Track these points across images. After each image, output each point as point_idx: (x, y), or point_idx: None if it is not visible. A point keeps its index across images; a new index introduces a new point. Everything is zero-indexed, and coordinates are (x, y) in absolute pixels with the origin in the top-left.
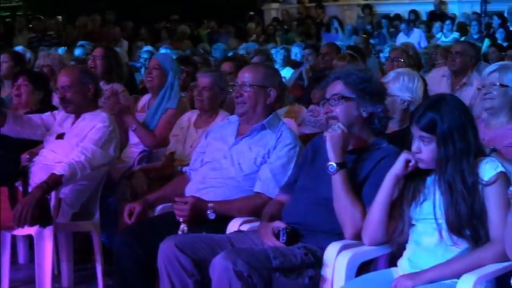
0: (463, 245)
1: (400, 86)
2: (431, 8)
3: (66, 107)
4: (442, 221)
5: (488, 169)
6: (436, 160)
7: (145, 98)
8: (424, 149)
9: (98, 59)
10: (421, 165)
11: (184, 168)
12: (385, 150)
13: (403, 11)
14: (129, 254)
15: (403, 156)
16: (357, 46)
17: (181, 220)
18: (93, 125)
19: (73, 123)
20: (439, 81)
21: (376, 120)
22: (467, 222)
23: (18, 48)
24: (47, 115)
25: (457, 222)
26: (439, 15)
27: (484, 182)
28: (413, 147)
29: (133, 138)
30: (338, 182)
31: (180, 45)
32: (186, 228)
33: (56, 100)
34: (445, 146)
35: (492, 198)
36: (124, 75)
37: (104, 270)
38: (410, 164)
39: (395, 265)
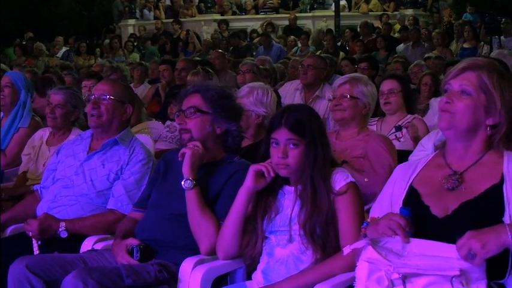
0: (315, 255)
1: (254, 101)
2: (286, 22)
3: None
4: (294, 232)
5: (339, 179)
6: (303, 165)
7: None
8: (291, 154)
9: None
10: (283, 172)
11: (35, 187)
12: (237, 164)
13: (258, 26)
14: None
15: (252, 169)
16: (211, 61)
17: (30, 235)
18: None
19: None
20: (292, 94)
21: (229, 138)
22: (323, 231)
23: None
24: None
25: (314, 230)
26: (294, 30)
27: (335, 192)
28: (277, 154)
29: None
30: (192, 197)
31: (33, 62)
32: (39, 242)
33: None
34: (315, 149)
35: (343, 208)
36: None
37: None
38: (267, 176)
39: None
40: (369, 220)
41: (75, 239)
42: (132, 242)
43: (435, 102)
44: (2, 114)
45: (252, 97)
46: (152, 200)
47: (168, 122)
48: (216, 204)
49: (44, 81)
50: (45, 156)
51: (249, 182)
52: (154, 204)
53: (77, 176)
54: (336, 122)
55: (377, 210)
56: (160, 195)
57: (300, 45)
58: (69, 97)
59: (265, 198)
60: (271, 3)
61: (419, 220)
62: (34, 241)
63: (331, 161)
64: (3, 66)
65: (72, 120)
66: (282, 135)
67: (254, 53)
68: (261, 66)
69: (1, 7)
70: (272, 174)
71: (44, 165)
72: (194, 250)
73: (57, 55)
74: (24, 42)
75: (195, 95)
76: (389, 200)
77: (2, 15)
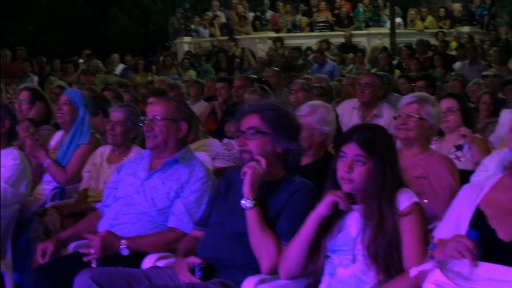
0: (378, 276)
1: (318, 119)
2: (340, 40)
3: None
4: (358, 252)
5: (404, 199)
6: (370, 184)
7: (58, 135)
8: (357, 170)
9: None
10: (346, 188)
11: (97, 205)
12: (297, 183)
13: (313, 43)
14: None
15: (329, 198)
16: (267, 79)
17: (91, 252)
18: (4, 163)
19: None
20: (349, 112)
21: (290, 156)
22: (386, 252)
23: None
24: None
25: (378, 251)
26: (349, 47)
27: (399, 212)
28: (343, 168)
29: (46, 175)
30: (253, 216)
31: (91, 79)
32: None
33: None
34: (383, 170)
35: (407, 229)
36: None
37: None
38: (342, 208)
39: None
40: (435, 241)
41: (136, 257)
42: (194, 260)
43: (505, 114)
44: (62, 131)
45: (316, 115)
46: (213, 219)
47: (226, 140)
48: (276, 223)
49: (97, 100)
50: (106, 173)
51: (322, 210)
52: (215, 223)
53: (137, 194)
54: (399, 140)
55: (442, 231)
56: (221, 213)
57: (355, 62)
58: (129, 114)
59: (329, 216)
60: (326, 20)
61: (485, 243)
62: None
63: (398, 182)
64: (61, 83)
65: (132, 138)
66: (350, 149)
67: (309, 71)
68: (316, 84)
69: (58, 25)
70: (346, 208)
71: (104, 182)
72: (255, 269)
73: (114, 72)
74: (81, 60)
75: (253, 115)
76: (455, 222)
77: (59, 33)
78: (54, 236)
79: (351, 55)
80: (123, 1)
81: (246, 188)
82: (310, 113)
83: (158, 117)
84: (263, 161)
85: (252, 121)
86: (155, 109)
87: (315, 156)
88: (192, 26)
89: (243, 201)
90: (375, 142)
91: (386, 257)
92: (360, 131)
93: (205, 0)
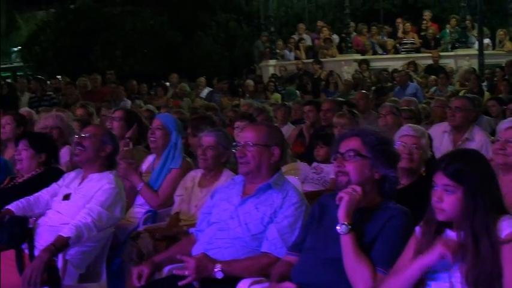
0: None
1: (426, 143)
2: (427, 62)
3: (80, 153)
4: (455, 279)
5: (505, 226)
6: (461, 213)
7: (149, 159)
8: (446, 199)
9: (116, 120)
10: (440, 217)
11: (191, 230)
12: (393, 209)
13: (399, 65)
14: None
15: (439, 250)
16: (355, 102)
17: (186, 273)
18: (99, 186)
19: (80, 183)
20: (440, 136)
21: (386, 183)
22: (487, 281)
23: (23, 109)
24: (53, 187)
25: (477, 281)
26: (436, 69)
27: (500, 240)
28: (434, 197)
29: (139, 198)
30: (348, 242)
31: (179, 102)
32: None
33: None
34: (474, 199)
35: (509, 258)
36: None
37: None
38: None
39: None
40: None
41: (230, 282)
42: (289, 285)
43: None
44: (153, 155)
45: (425, 139)
46: (307, 244)
47: (315, 164)
48: (371, 250)
49: (200, 121)
50: (198, 197)
51: (432, 261)
52: (310, 248)
53: (231, 219)
54: (497, 165)
55: None
56: (315, 239)
57: (439, 84)
58: (220, 139)
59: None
60: (412, 42)
61: None
62: (195, 282)
63: (499, 209)
64: (150, 107)
65: (223, 162)
66: (439, 179)
67: (392, 93)
68: (405, 107)
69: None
70: (454, 263)
71: (196, 206)
72: None
73: (200, 95)
74: (168, 83)
75: (354, 138)
76: None
77: (146, 57)
78: (147, 259)
79: (432, 77)
80: (209, 25)
81: (341, 213)
82: (421, 136)
83: (250, 143)
84: (359, 189)
85: (353, 143)
86: (247, 135)
87: (410, 179)
88: (278, 51)
89: (338, 227)
90: (463, 171)
91: (486, 286)
92: (448, 160)
93: (290, 23)
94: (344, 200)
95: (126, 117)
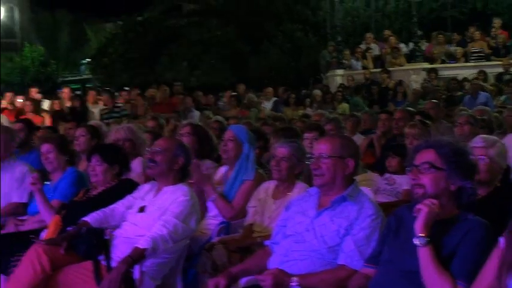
0: None
1: (497, 153)
2: (497, 70)
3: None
4: None
5: None
6: None
7: (222, 170)
8: None
9: (185, 135)
10: None
11: (266, 242)
12: (471, 222)
13: (468, 74)
14: None
15: None
16: (425, 111)
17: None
18: (174, 198)
19: (155, 196)
20: None
21: (464, 195)
22: None
23: (94, 122)
24: (128, 199)
25: None
26: (508, 78)
27: None
28: None
29: (211, 210)
30: (425, 254)
31: (247, 113)
32: None
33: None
34: None
35: None
36: (215, 150)
37: None
38: None
39: None
40: None
41: None
42: None
43: None
44: (226, 166)
45: (496, 149)
46: (384, 256)
47: (387, 175)
48: (450, 262)
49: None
50: (271, 209)
51: None
52: (386, 261)
53: (307, 232)
54: None
55: None
56: (392, 251)
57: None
58: (294, 150)
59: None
60: (481, 50)
61: None
62: None
63: None
64: (219, 118)
65: (297, 174)
66: None
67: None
68: (478, 117)
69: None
70: None
71: (269, 217)
72: None
73: (264, 106)
74: (235, 93)
75: (428, 150)
76: None
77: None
78: (221, 270)
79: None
80: (276, 36)
81: (419, 226)
82: (490, 146)
83: (324, 155)
84: (436, 202)
85: (427, 156)
86: (321, 147)
87: (486, 190)
88: (345, 61)
89: (415, 239)
90: None
91: None
92: None
93: (357, 33)
94: (423, 212)
95: (194, 131)
